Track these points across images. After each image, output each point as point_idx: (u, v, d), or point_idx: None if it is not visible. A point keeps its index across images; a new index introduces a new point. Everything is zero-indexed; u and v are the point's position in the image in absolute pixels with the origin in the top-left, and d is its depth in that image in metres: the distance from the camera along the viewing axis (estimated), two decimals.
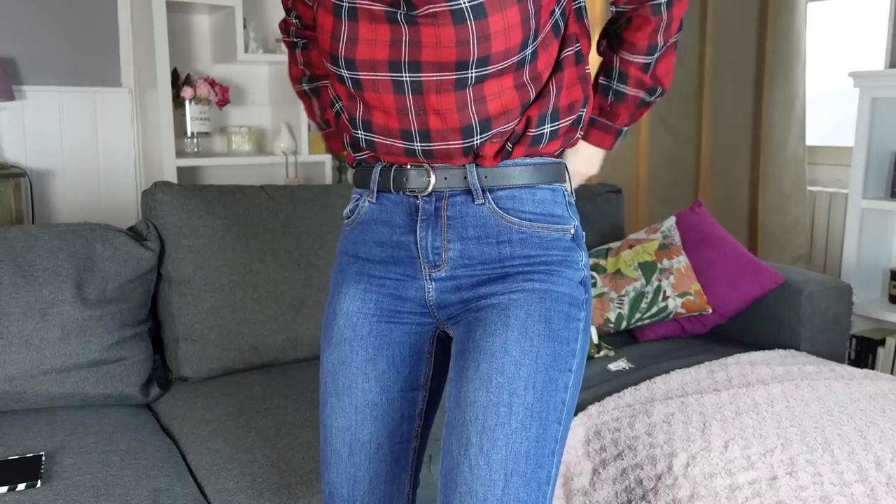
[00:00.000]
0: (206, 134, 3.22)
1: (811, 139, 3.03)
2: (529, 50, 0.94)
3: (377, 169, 1.03)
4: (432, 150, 0.98)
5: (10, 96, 2.79)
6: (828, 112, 3.03)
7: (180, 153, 3.20)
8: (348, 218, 1.11)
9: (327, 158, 3.42)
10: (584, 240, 1.08)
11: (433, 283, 1.03)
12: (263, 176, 3.53)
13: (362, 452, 1.07)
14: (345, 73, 0.97)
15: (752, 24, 2.90)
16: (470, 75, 0.93)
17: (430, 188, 1.00)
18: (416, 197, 1.01)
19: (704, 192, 3.11)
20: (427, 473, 1.48)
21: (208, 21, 3.37)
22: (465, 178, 0.99)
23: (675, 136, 3.21)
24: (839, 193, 2.81)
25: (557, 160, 1.05)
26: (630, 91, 1.09)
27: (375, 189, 1.04)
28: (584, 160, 1.15)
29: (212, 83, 3.18)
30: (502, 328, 0.97)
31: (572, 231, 1.03)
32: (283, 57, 3.27)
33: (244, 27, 3.28)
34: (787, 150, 2.80)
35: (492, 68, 0.93)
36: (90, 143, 3.15)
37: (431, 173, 0.99)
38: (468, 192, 1.00)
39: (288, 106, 3.42)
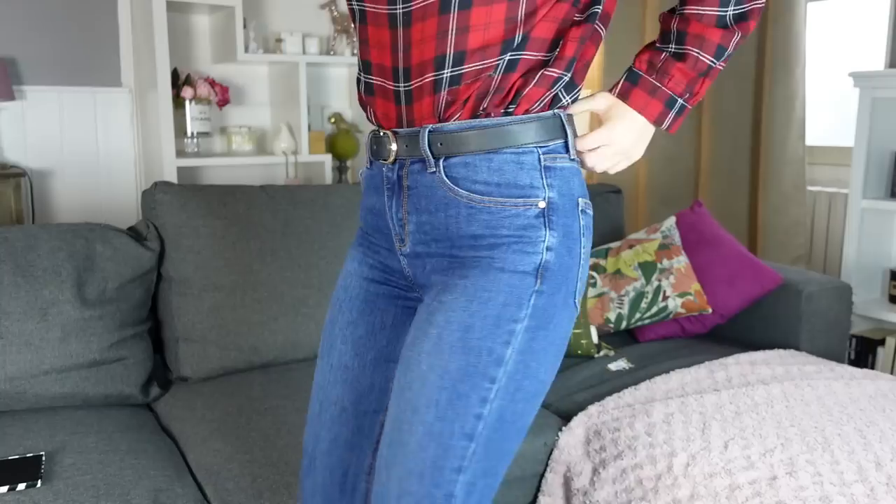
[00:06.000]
0: (206, 134, 3.22)
1: (811, 139, 3.03)
2: None
3: (370, 135, 1.00)
4: (411, 91, 0.92)
5: (10, 96, 2.79)
6: (828, 112, 3.02)
7: (180, 153, 3.20)
8: None
9: (327, 158, 3.42)
10: (582, 217, 0.93)
11: (404, 259, 0.99)
12: (263, 176, 3.53)
13: (328, 413, 1.07)
14: (354, 5, 0.95)
15: None
16: None
17: (392, 156, 0.95)
18: (385, 165, 0.97)
19: (704, 192, 3.11)
20: None
21: (208, 21, 3.37)
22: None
23: (675, 136, 3.21)
24: (839, 193, 2.81)
25: (540, 115, 0.91)
26: (690, 50, 0.93)
27: (369, 155, 1.01)
28: (623, 132, 0.97)
29: (212, 83, 3.18)
30: (421, 337, 0.91)
31: (542, 204, 0.89)
32: (283, 57, 3.27)
33: (244, 27, 3.28)
34: (787, 150, 2.80)
35: None
36: (90, 143, 3.15)
37: (393, 141, 0.94)
38: (424, 160, 0.92)
39: (288, 106, 3.42)
